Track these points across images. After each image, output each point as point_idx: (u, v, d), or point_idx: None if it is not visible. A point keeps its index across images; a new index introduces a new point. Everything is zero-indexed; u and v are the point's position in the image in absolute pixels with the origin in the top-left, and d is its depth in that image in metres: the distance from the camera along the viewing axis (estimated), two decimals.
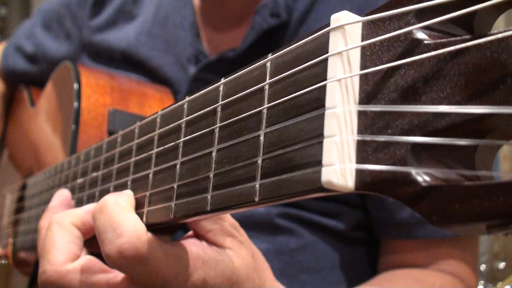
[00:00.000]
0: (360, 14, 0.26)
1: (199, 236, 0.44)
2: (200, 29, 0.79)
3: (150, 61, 0.81)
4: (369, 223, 0.73)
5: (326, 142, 0.25)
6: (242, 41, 0.73)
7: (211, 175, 0.33)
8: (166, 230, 0.46)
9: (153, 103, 0.74)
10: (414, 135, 0.23)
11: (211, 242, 0.43)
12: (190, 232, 0.45)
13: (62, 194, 0.54)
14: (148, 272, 0.39)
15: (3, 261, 0.87)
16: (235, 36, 0.76)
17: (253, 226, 0.70)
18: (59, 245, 0.44)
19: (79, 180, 0.55)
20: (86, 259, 0.44)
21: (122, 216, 0.39)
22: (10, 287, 0.87)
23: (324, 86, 0.25)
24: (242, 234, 0.46)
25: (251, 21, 0.73)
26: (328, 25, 0.26)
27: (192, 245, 0.42)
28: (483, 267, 0.94)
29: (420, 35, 0.23)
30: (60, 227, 0.45)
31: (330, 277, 0.71)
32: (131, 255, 0.37)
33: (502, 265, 0.94)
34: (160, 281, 0.39)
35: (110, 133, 0.67)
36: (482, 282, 0.93)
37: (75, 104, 0.69)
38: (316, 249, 0.71)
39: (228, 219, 0.45)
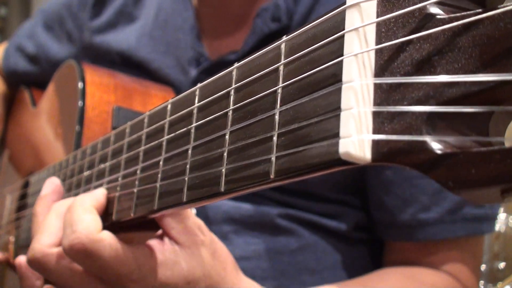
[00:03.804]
0: None
1: (164, 232, 0.48)
2: (201, 32, 0.80)
3: (150, 63, 0.81)
4: (370, 223, 0.73)
5: (343, 115, 0.25)
6: (243, 44, 0.74)
7: (225, 155, 0.33)
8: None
9: (156, 102, 0.75)
10: (429, 105, 0.23)
11: (173, 240, 0.48)
12: (159, 231, 0.49)
13: (52, 183, 0.58)
14: (98, 267, 0.45)
15: None
16: (235, 39, 0.77)
17: (253, 227, 0.70)
18: (51, 229, 0.50)
19: (86, 173, 0.55)
20: None
21: (80, 216, 0.46)
22: (6, 286, 0.87)
23: (341, 62, 0.26)
24: (204, 233, 0.50)
25: (252, 24, 0.73)
26: (344, 3, 0.27)
27: (153, 247, 0.47)
28: (483, 267, 0.94)
29: (434, 10, 0.24)
30: (56, 215, 0.51)
31: (331, 278, 0.71)
32: (78, 250, 0.44)
33: (502, 265, 0.94)
34: (114, 277, 0.45)
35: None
36: (482, 282, 0.94)
37: (80, 102, 0.70)
38: (317, 250, 0.71)
39: (192, 218, 0.49)
